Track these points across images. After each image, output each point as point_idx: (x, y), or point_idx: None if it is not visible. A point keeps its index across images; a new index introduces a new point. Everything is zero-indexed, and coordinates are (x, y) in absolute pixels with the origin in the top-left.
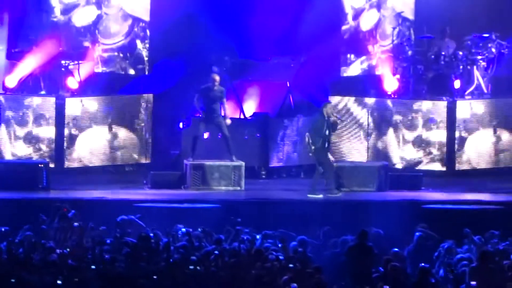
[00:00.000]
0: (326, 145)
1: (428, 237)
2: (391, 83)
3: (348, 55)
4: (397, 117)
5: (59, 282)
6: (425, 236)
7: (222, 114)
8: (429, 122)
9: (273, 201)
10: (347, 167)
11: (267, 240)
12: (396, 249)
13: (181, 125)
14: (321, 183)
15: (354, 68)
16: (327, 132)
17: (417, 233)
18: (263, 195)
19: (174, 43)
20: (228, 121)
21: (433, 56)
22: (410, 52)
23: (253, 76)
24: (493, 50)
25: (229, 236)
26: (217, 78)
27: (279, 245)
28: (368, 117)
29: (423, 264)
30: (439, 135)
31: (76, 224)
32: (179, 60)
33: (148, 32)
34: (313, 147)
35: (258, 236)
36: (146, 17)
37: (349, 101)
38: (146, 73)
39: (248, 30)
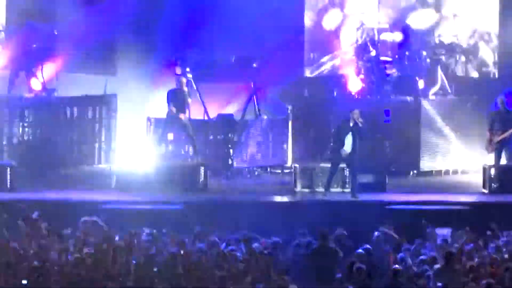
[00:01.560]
0: (351, 150)
1: (387, 238)
2: (355, 84)
3: (311, 55)
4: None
5: (24, 282)
6: (383, 237)
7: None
8: (385, 116)
9: (236, 202)
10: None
11: (230, 242)
12: (360, 250)
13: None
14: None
15: (317, 68)
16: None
17: (375, 233)
18: (226, 196)
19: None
20: (182, 116)
21: (397, 56)
22: (373, 53)
23: (217, 76)
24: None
25: (193, 238)
26: (183, 80)
27: (243, 247)
28: (331, 117)
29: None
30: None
31: (40, 225)
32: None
33: None
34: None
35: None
36: None
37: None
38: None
39: (210, 27)
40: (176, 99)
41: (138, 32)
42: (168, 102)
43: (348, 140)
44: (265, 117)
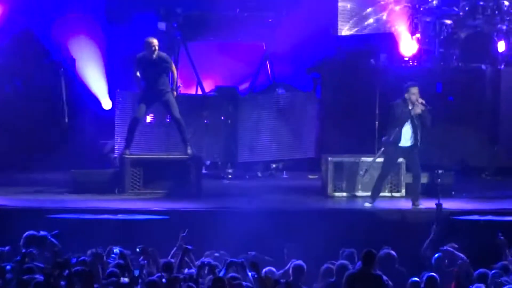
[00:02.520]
0: (412, 142)
1: (454, 260)
2: (408, 45)
3: (348, 6)
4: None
5: None
6: (448, 258)
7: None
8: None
9: (244, 211)
10: (347, 162)
11: (232, 267)
12: (415, 278)
13: (107, 104)
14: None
15: (356, 25)
16: (411, 126)
17: (436, 255)
18: (228, 203)
19: None
20: (173, 94)
21: (467, 8)
22: (435, 2)
23: (215, 35)
24: None
25: (180, 260)
26: (155, 42)
27: (249, 274)
28: (377, 93)
29: None
30: (477, 118)
31: None
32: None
33: None
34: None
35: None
36: None
37: (347, 68)
38: None
39: None
40: (148, 68)
41: None
42: (135, 72)
43: (407, 128)
44: (282, 91)
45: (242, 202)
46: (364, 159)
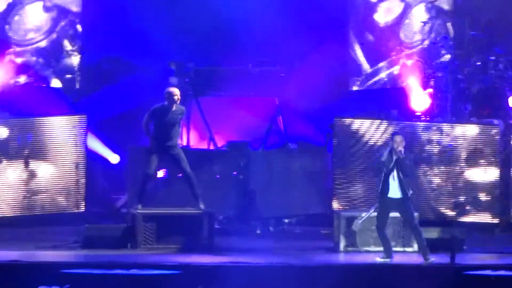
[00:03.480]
0: (401, 194)
1: None
2: (420, 100)
3: (360, 60)
4: (430, 148)
5: None
6: None
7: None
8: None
9: (257, 266)
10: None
11: None
12: None
13: (114, 159)
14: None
15: (367, 79)
16: (396, 176)
17: None
18: (242, 257)
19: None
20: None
21: (479, 63)
22: (447, 57)
23: (227, 90)
24: None
25: None
26: (177, 93)
27: None
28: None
29: None
30: (489, 173)
31: None
32: (122, 69)
33: (79, 28)
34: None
35: None
36: (76, 7)
37: (361, 125)
38: (77, 85)
39: (221, 27)
40: (164, 119)
41: None
42: (148, 123)
43: (392, 179)
44: (294, 146)
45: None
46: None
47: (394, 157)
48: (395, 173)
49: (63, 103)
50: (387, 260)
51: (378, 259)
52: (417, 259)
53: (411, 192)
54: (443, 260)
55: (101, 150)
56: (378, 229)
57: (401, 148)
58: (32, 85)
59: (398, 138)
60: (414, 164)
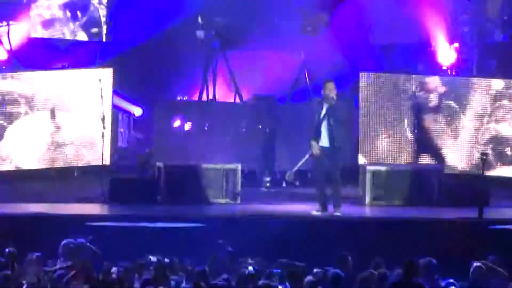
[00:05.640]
0: (329, 143)
1: (491, 272)
2: (446, 55)
3: (385, 16)
4: (455, 103)
5: None
6: (485, 270)
7: None
8: None
9: (280, 219)
10: (384, 171)
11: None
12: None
13: (138, 111)
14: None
15: (394, 34)
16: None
17: (474, 264)
18: (266, 210)
19: None
20: None
21: (506, 17)
22: (474, 11)
23: (253, 44)
24: None
25: (219, 268)
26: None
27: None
28: (413, 102)
29: None
30: None
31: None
32: (148, 22)
33: None
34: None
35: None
36: None
37: (386, 80)
38: (104, 39)
39: None
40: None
41: None
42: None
43: (324, 128)
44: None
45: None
46: (402, 168)
47: (326, 105)
48: (325, 121)
49: (89, 56)
50: (321, 213)
51: (313, 212)
52: (443, 215)
53: (341, 143)
54: (470, 214)
55: (124, 103)
56: (315, 180)
57: (333, 95)
58: (59, 39)
59: (330, 85)
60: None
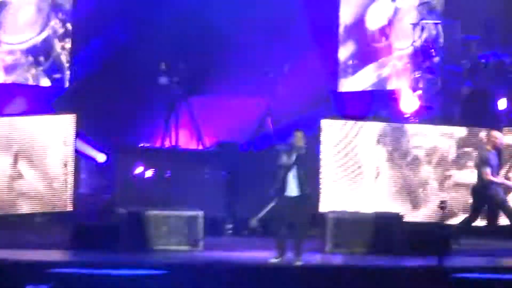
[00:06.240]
0: (298, 192)
1: None
2: (410, 102)
3: (350, 62)
4: (419, 151)
5: None
6: None
7: None
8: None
9: (245, 265)
10: (347, 219)
11: None
12: None
13: (101, 157)
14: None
15: (358, 81)
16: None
17: None
18: (227, 257)
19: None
20: None
21: (469, 65)
22: (437, 59)
23: (217, 90)
24: None
25: None
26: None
27: None
28: (377, 149)
29: None
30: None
31: None
32: (111, 68)
33: (69, 26)
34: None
35: None
36: (67, 5)
37: (350, 127)
38: (66, 84)
39: (210, 29)
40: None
41: None
42: None
43: (291, 177)
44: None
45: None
46: (364, 215)
47: (295, 154)
48: (294, 170)
49: (51, 102)
50: (279, 260)
51: (272, 260)
52: (405, 262)
53: (308, 189)
54: (431, 262)
55: (88, 150)
56: (276, 228)
57: (301, 144)
58: (21, 85)
59: (299, 134)
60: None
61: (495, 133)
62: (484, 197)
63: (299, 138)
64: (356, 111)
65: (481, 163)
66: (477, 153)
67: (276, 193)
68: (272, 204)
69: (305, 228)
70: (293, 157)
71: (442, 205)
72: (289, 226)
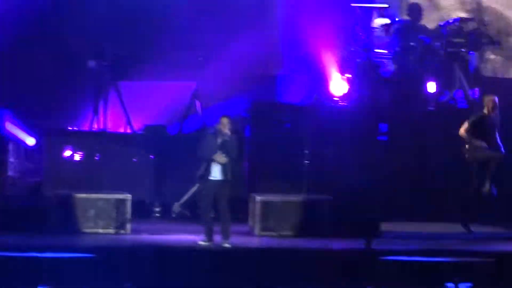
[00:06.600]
0: (222, 177)
1: None
2: (339, 85)
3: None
4: (348, 133)
5: None
6: None
7: None
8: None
9: (173, 248)
10: (275, 202)
11: None
12: None
13: (30, 141)
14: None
15: (289, 65)
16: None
17: None
18: (155, 240)
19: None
20: None
21: (398, 49)
22: (366, 42)
23: (146, 74)
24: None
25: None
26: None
27: None
28: (306, 133)
29: None
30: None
31: None
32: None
33: None
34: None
35: None
36: None
37: (279, 110)
38: None
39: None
40: None
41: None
42: None
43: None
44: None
45: None
46: (293, 198)
47: (220, 139)
48: (219, 155)
49: None
50: (208, 243)
51: (200, 243)
52: (332, 245)
53: (232, 175)
54: (359, 245)
55: (17, 132)
56: (202, 211)
57: (227, 130)
58: None
59: (225, 120)
60: (239, 147)
61: (488, 97)
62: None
63: (224, 124)
64: (287, 95)
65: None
66: None
67: (201, 178)
68: (194, 189)
69: (229, 212)
70: (218, 142)
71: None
72: (215, 210)
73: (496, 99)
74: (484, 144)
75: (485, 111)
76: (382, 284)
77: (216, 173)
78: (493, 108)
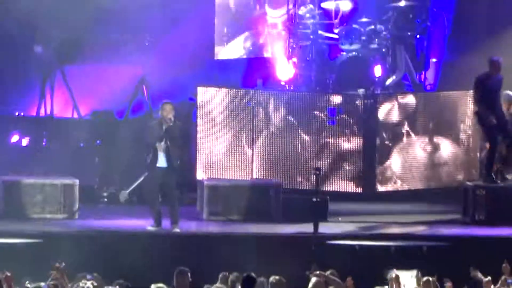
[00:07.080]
0: (167, 164)
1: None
2: (285, 70)
3: (224, 30)
4: (294, 118)
5: None
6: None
7: None
8: (329, 116)
9: (121, 233)
10: (222, 186)
11: None
12: None
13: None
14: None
15: (233, 49)
16: (163, 143)
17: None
18: (103, 226)
19: None
20: None
21: (344, 32)
22: (312, 26)
23: (92, 59)
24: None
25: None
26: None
27: None
28: (252, 117)
29: None
30: (353, 143)
31: None
32: None
33: None
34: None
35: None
36: None
37: (225, 95)
38: None
39: None
40: None
41: None
42: None
43: (161, 149)
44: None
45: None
46: (240, 183)
47: (164, 126)
48: (163, 142)
49: None
50: (157, 228)
51: (149, 228)
52: (280, 230)
53: (178, 162)
54: (306, 229)
55: None
56: (150, 198)
57: (170, 116)
58: None
59: (168, 107)
60: (184, 133)
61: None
62: None
63: (168, 111)
64: (232, 79)
65: None
66: None
67: (148, 165)
68: (142, 178)
69: (177, 198)
70: (163, 129)
71: (316, 172)
72: (163, 195)
73: (501, 59)
74: None
75: (490, 72)
76: (329, 268)
77: (162, 160)
78: (498, 68)
